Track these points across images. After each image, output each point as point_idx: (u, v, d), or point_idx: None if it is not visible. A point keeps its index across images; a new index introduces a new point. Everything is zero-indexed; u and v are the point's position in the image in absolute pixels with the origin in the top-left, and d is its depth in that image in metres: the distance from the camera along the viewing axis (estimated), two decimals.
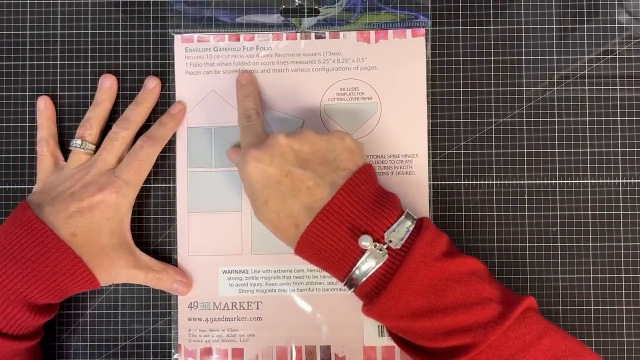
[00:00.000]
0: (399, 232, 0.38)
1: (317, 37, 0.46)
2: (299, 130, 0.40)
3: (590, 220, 0.46)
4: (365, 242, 0.37)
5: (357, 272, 0.38)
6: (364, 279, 0.38)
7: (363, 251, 0.38)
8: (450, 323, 0.37)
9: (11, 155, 0.47)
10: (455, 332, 0.37)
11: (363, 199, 0.39)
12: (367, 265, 0.38)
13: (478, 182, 0.46)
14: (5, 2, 0.47)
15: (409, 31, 0.46)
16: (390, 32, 0.46)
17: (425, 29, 0.46)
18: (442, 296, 0.37)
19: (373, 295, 0.38)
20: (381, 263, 0.38)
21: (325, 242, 0.38)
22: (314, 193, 0.38)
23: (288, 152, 0.39)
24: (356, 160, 0.40)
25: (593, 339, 0.45)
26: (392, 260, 0.38)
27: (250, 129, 0.42)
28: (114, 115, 0.46)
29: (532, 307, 0.38)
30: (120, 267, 0.43)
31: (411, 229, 0.38)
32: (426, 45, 0.46)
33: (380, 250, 0.38)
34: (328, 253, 0.39)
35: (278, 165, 0.39)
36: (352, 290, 0.39)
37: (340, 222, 0.38)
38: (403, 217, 0.39)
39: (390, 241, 0.38)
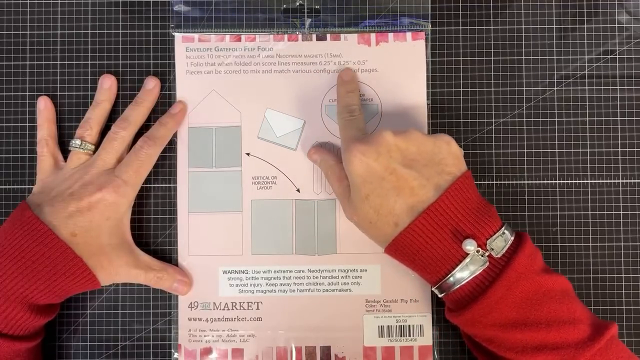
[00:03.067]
0: (500, 241, 0.38)
1: (318, 39, 0.46)
2: (405, 129, 0.40)
3: (590, 220, 0.46)
4: (470, 246, 0.37)
5: (452, 277, 0.38)
6: (461, 284, 0.38)
7: (464, 255, 0.38)
8: (542, 338, 0.37)
9: (11, 155, 0.46)
10: (545, 349, 0.37)
11: (467, 204, 0.39)
12: (466, 270, 0.38)
13: (478, 182, 0.46)
14: (5, 2, 0.47)
15: (409, 34, 0.46)
16: (390, 35, 0.46)
17: (425, 32, 0.46)
18: (537, 310, 0.37)
19: (466, 301, 0.38)
20: (481, 270, 0.38)
21: (425, 243, 0.38)
22: (418, 194, 0.38)
23: (395, 150, 0.39)
24: (460, 166, 0.40)
25: None
26: (491, 268, 0.38)
27: (353, 122, 0.43)
28: (113, 115, 0.46)
29: (616, 335, 0.38)
30: (120, 267, 0.43)
31: (511, 240, 0.38)
32: (426, 46, 0.46)
33: (482, 256, 0.38)
34: (425, 254, 0.39)
35: (384, 162, 0.39)
36: (442, 295, 0.40)
37: (444, 225, 0.38)
38: (504, 227, 0.39)
39: (492, 249, 0.38)
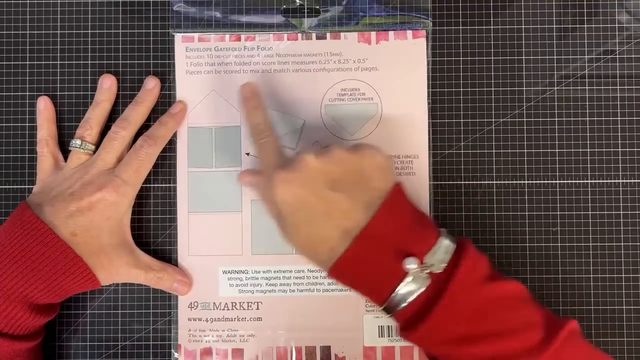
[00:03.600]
0: (439, 254, 0.36)
1: (318, 38, 0.46)
2: (326, 149, 0.38)
3: (590, 220, 0.46)
4: (410, 264, 0.36)
5: (396, 297, 0.36)
6: (405, 304, 0.36)
7: (405, 274, 0.36)
8: (496, 349, 0.36)
9: (11, 155, 0.46)
10: (501, 359, 0.35)
11: (402, 220, 0.37)
12: (408, 289, 0.36)
13: (478, 182, 0.46)
14: (5, 2, 0.47)
15: (409, 32, 0.46)
16: (391, 33, 0.46)
17: (426, 30, 0.46)
18: (486, 322, 0.36)
19: (414, 320, 0.37)
20: (423, 288, 0.36)
21: (364, 266, 0.37)
22: (349, 217, 0.37)
23: (319, 174, 0.37)
24: (388, 178, 0.38)
25: (593, 339, 0.45)
26: (434, 284, 0.36)
27: (268, 146, 0.40)
28: (114, 115, 0.46)
29: (575, 331, 0.37)
30: (120, 266, 0.43)
31: (451, 250, 0.37)
32: (427, 45, 0.46)
33: (422, 273, 0.36)
34: (367, 277, 0.37)
35: (309, 188, 0.37)
36: (390, 315, 0.38)
37: (380, 246, 0.37)
38: (442, 237, 0.37)
39: (432, 265, 0.36)
